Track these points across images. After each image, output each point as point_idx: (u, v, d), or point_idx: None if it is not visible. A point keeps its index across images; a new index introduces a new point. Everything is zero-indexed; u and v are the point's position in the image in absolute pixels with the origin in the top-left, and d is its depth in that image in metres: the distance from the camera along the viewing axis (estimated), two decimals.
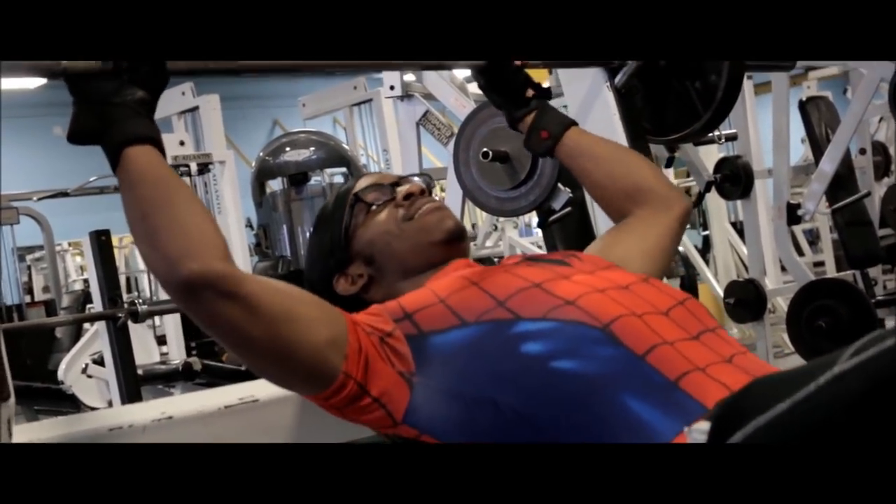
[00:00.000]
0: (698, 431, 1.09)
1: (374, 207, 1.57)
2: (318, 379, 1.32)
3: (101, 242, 3.43)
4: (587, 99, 1.80)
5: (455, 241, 1.54)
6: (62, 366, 4.54)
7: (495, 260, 7.51)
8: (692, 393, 1.24)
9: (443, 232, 1.53)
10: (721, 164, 4.40)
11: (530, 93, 1.78)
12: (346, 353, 1.32)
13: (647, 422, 1.22)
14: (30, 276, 10.71)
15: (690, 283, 6.06)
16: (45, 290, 9.82)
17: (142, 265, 8.29)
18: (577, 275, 1.45)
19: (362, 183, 1.61)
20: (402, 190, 1.58)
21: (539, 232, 4.71)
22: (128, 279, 9.78)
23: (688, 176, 5.73)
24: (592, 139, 1.79)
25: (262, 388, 1.44)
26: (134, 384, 3.42)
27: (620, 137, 2.09)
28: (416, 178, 1.62)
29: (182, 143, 4.86)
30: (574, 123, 1.78)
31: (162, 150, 1.34)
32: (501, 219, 6.66)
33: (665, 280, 1.69)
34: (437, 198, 1.63)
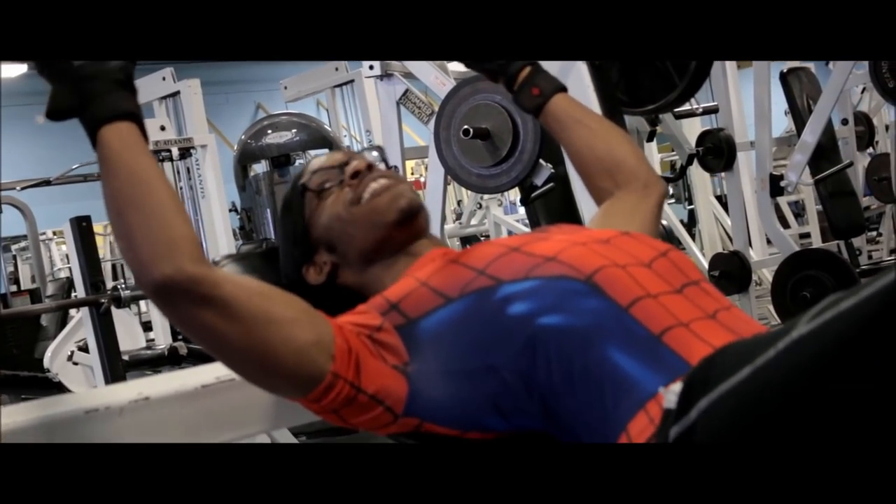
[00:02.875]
0: (673, 393, 1.09)
1: (323, 193, 1.53)
2: (304, 381, 1.29)
3: (82, 229, 3.41)
4: (561, 73, 1.79)
5: (410, 220, 1.50)
6: (48, 353, 4.52)
7: (481, 237, 7.54)
8: (676, 349, 1.23)
9: (395, 212, 1.49)
10: (703, 137, 4.41)
11: None
12: (332, 353, 1.29)
13: (631, 376, 1.21)
14: (15, 265, 10.69)
15: None
16: (33, 280, 9.80)
17: None
18: (555, 235, 1.44)
19: (311, 168, 1.57)
20: (348, 169, 1.54)
21: (524, 209, 4.71)
22: (113, 266, 9.76)
23: (672, 151, 5.74)
24: (582, 108, 1.78)
25: None
26: (119, 369, 3.41)
27: (595, 111, 2.08)
28: (367, 154, 1.59)
29: (163, 129, 4.83)
30: (565, 89, 1.77)
31: (141, 124, 1.30)
32: (486, 196, 6.66)
33: None
34: (394, 170, 1.58)
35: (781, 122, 6.95)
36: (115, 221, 1.27)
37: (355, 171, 1.53)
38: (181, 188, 4.99)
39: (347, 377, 1.30)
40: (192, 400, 1.43)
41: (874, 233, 7.65)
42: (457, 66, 1.91)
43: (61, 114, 1.29)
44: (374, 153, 1.60)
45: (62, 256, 9.78)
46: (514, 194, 7.48)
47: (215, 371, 1.45)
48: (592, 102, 2.12)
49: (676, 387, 1.10)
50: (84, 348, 4.08)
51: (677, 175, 4.97)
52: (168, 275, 1.22)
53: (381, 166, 1.57)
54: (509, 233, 6.65)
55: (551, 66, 1.77)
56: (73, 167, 6.49)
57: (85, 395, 1.45)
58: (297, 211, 1.56)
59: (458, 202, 9.27)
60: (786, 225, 7.13)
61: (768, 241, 5.22)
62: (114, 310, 3.53)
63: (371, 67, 3.54)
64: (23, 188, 7.60)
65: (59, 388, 4.42)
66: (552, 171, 2.80)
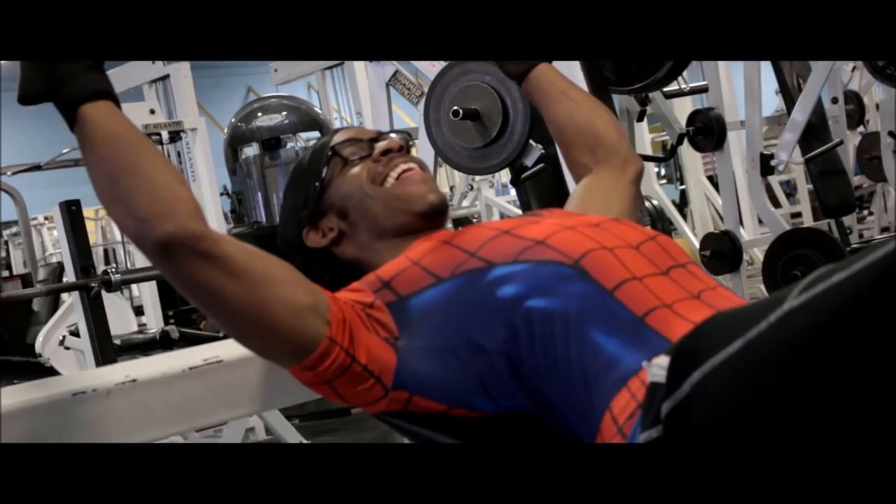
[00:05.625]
0: (658, 366, 1.09)
1: (349, 161, 1.56)
2: (300, 344, 1.30)
3: (72, 213, 3.41)
4: None
5: (436, 216, 1.53)
6: (39, 338, 4.52)
7: (473, 219, 7.53)
8: (658, 328, 1.24)
9: (426, 205, 1.52)
10: (693, 117, 4.39)
11: None
12: (328, 319, 1.31)
13: (613, 354, 1.23)
14: (7, 251, 10.65)
15: None
16: (25, 265, 9.77)
17: (119, 236, 8.26)
18: (546, 219, 1.45)
19: (340, 137, 1.59)
20: (379, 146, 1.56)
21: (514, 190, 4.70)
22: (105, 251, 9.74)
23: (663, 131, 5.73)
24: (566, 81, 1.79)
25: (226, 349, 1.43)
26: (110, 353, 3.40)
27: (582, 88, 2.07)
28: (394, 135, 1.60)
29: (153, 112, 4.81)
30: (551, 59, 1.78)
31: (117, 102, 1.30)
32: (477, 178, 6.65)
33: None
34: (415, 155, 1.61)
35: (772, 102, 6.95)
36: (108, 188, 1.27)
37: (387, 148, 1.55)
38: None
39: (343, 344, 1.31)
40: (180, 382, 1.43)
41: (865, 211, 7.66)
42: None
43: (34, 98, 1.29)
44: (403, 136, 1.63)
45: (54, 241, 9.74)
46: (506, 175, 7.48)
47: (202, 353, 1.45)
48: (580, 81, 2.11)
49: (661, 360, 1.09)
50: (75, 333, 4.08)
51: (668, 155, 4.96)
52: (170, 231, 1.23)
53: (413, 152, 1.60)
54: (501, 214, 6.64)
55: None
56: (64, 151, 6.47)
57: (72, 377, 1.45)
58: (316, 171, 1.56)
59: (451, 188, 9.26)
60: (777, 204, 7.13)
61: (759, 221, 5.22)
62: (106, 294, 3.53)
63: None
64: (13, 173, 7.59)
65: (50, 373, 4.42)
66: (542, 151, 2.79)
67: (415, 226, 1.51)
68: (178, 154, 5.03)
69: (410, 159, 1.57)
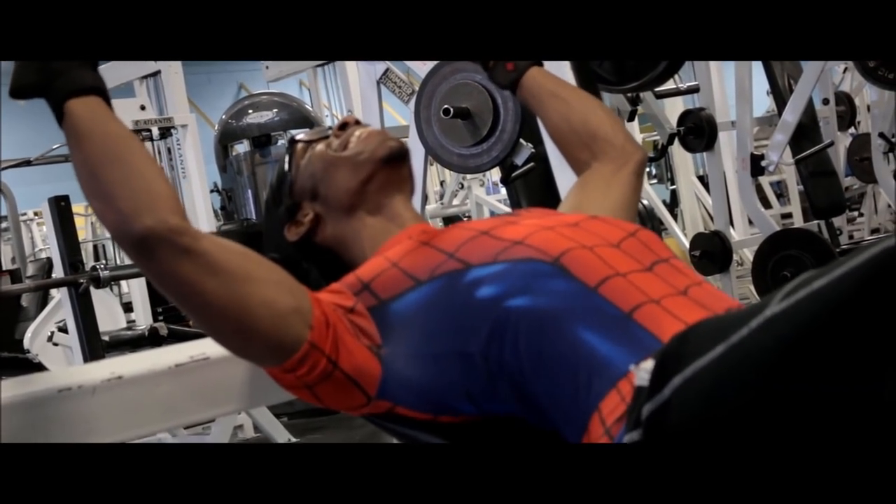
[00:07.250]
0: (645, 370, 1.09)
1: (311, 144, 1.57)
2: (279, 346, 1.28)
3: (61, 208, 3.40)
4: None
5: (397, 160, 1.53)
6: (28, 334, 4.52)
7: (464, 218, 7.53)
8: (646, 325, 1.22)
9: (385, 149, 1.52)
10: (684, 117, 4.40)
11: None
12: (311, 323, 1.28)
13: (603, 355, 1.21)
14: None
15: None
16: (13, 261, 9.73)
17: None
18: (524, 220, 1.44)
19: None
20: (337, 123, 1.59)
21: (505, 189, 4.70)
22: (94, 247, 9.72)
23: (654, 131, 5.73)
24: (556, 81, 1.78)
25: (213, 346, 1.42)
26: (98, 350, 3.40)
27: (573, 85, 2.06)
28: None
29: (143, 108, 4.80)
30: (541, 63, 1.77)
31: (107, 99, 1.30)
32: (468, 176, 6.65)
33: None
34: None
35: (763, 103, 6.96)
36: (91, 180, 1.26)
37: (343, 122, 1.57)
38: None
39: (325, 350, 1.29)
40: (166, 379, 1.42)
41: (855, 213, 7.68)
42: None
43: (25, 92, 1.28)
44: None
45: (43, 237, 9.71)
46: (497, 174, 7.48)
47: (189, 350, 1.44)
48: (568, 79, 2.10)
49: (648, 364, 1.09)
50: (64, 329, 4.08)
51: (658, 155, 4.97)
52: (150, 226, 1.21)
53: None
54: (491, 212, 6.63)
55: None
56: (54, 147, 6.45)
57: (58, 373, 1.44)
58: (285, 169, 1.58)
59: (441, 183, 9.26)
60: (767, 205, 7.14)
61: (750, 222, 5.23)
62: (94, 290, 3.52)
63: None
64: (3, 168, 7.55)
65: (38, 369, 4.41)
66: (532, 150, 2.79)
67: (379, 176, 1.51)
68: (169, 150, 5.02)
69: (367, 127, 1.58)
